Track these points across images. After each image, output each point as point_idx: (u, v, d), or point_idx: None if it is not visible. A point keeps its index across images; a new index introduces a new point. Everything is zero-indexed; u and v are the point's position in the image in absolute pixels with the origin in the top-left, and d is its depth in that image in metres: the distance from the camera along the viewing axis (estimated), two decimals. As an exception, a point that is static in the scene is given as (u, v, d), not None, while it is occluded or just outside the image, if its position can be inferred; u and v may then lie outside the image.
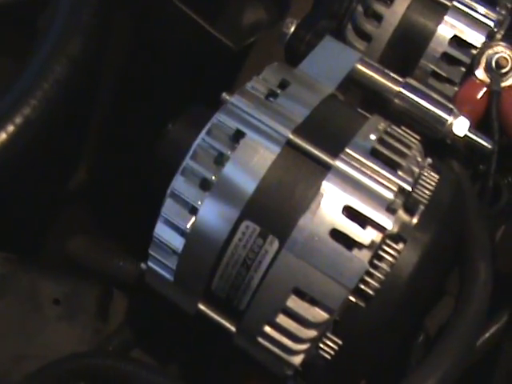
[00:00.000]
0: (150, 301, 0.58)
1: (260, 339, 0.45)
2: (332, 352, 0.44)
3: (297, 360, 0.45)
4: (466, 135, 0.51)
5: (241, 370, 0.54)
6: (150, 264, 0.48)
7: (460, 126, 0.51)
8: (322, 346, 0.45)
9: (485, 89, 0.55)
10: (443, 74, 0.55)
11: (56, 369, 0.54)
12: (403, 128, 0.49)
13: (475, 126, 0.53)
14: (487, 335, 0.52)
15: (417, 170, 0.46)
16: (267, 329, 0.45)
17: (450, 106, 0.52)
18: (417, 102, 0.51)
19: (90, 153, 0.67)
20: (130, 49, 0.58)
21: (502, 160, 0.55)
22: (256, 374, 0.53)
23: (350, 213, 0.43)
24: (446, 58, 0.55)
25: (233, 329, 0.46)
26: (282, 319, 0.44)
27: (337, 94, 0.50)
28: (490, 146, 0.52)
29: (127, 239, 0.54)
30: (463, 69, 0.56)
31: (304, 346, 0.45)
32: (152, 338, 0.61)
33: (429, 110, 0.51)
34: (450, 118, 0.51)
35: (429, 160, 0.48)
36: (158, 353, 0.61)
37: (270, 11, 0.62)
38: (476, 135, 0.52)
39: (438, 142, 0.53)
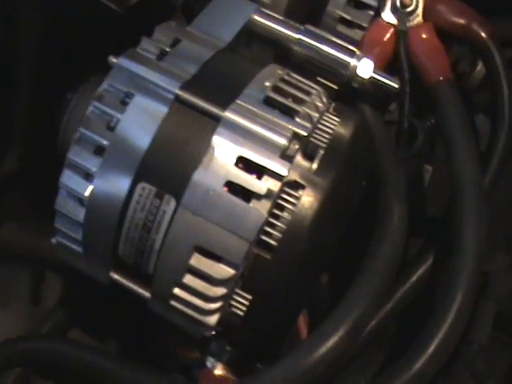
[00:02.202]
0: (83, 279, 0.57)
1: (172, 302, 0.45)
2: (244, 308, 0.44)
3: (212, 320, 0.45)
4: (371, 77, 0.50)
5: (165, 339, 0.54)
6: (59, 238, 0.47)
7: (364, 67, 0.50)
8: (233, 303, 0.44)
9: (392, 30, 0.54)
10: (350, 18, 0.55)
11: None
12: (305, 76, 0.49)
13: (384, 68, 0.53)
14: (413, 280, 0.53)
15: (316, 115, 0.45)
16: (177, 290, 0.44)
17: (352, 48, 0.51)
18: (317, 47, 0.50)
19: (18, 139, 0.66)
20: (38, 28, 0.57)
21: (420, 101, 0.55)
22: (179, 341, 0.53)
23: (245, 164, 0.42)
24: (353, 2, 0.55)
25: (147, 294, 0.46)
26: (188, 279, 0.43)
27: (239, 50, 0.50)
28: (396, 86, 0.51)
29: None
30: (371, 12, 0.55)
31: (215, 305, 0.44)
32: (88, 318, 0.61)
33: (330, 54, 0.50)
34: (352, 61, 0.50)
35: (333, 105, 0.48)
36: (96, 332, 0.60)
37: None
38: (381, 76, 0.51)
39: (347, 88, 0.52)
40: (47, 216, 0.47)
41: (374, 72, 0.51)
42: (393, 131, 0.54)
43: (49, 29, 0.56)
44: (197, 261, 0.43)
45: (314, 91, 0.47)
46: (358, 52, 0.51)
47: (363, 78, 0.50)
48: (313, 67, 0.51)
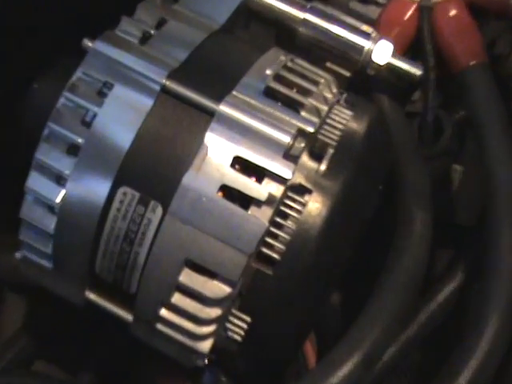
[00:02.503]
0: (50, 300, 0.60)
1: (159, 326, 0.48)
2: (242, 332, 0.48)
3: (205, 346, 0.48)
4: (389, 62, 0.54)
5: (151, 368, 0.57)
6: (24, 252, 0.51)
7: (381, 51, 0.54)
8: (229, 326, 0.48)
9: (414, 6, 0.58)
10: (365, -7, 0.58)
11: None
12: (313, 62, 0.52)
13: (405, 52, 0.57)
14: (440, 299, 0.56)
15: (324, 107, 0.49)
16: (164, 312, 0.48)
17: (367, 29, 0.54)
18: (325, 28, 0.54)
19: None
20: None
21: (447, 92, 0.59)
22: (168, 371, 0.56)
23: (242, 165, 0.46)
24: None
25: (129, 317, 0.49)
26: (177, 299, 0.47)
27: (236, 32, 0.54)
28: (419, 73, 0.55)
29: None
30: (389, -14, 0.58)
31: (209, 329, 0.48)
32: (58, 346, 0.64)
33: (340, 36, 0.54)
34: (367, 44, 0.54)
35: (344, 96, 0.51)
36: (67, 363, 0.63)
37: None
38: (401, 61, 0.55)
39: (361, 76, 0.55)
40: (10, 226, 0.50)
41: (392, 57, 0.55)
42: (415, 125, 0.58)
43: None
44: (187, 277, 0.46)
45: (322, 80, 0.50)
46: (374, 33, 0.55)
47: (380, 64, 0.54)
48: (321, 52, 0.55)
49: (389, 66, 0.54)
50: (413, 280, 0.50)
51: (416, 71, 0.55)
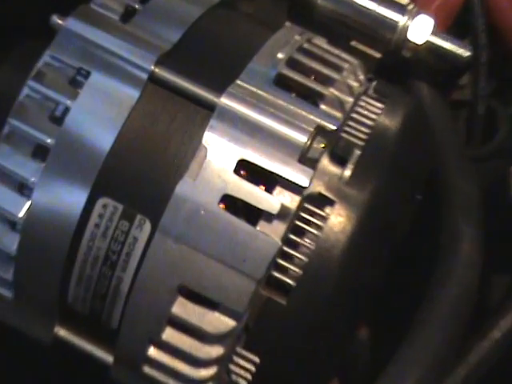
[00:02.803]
0: (12, 338, 0.61)
1: (146, 369, 0.50)
2: (248, 375, 0.49)
3: (202, 393, 0.49)
4: (429, 41, 0.55)
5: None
6: (-21, 279, 0.51)
7: (419, 28, 0.55)
8: (233, 368, 0.49)
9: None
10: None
11: None
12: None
13: (449, 29, 0.58)
14: (496, 335, 0.56)
15: (349, 99, 0.50)
16: (152, 352, 0.49)
17: (403, 0, 0.56)
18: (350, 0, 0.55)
19: None
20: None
21: (502, 76, 0.61)
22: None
23: (249, 171, 0.47)
24: None
25: (109, 358, 0.51)
26: (169, 335, 0.48)
27: (239, 5, 0.56)
28: (467, 54, 0.56)
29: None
30: None
31: (209, 372, 0.49)
32: None
33: (368, 9, 0.56)
34: (402, 19, 0.55)
35: (374, 84, 0.52)
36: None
37: None
38: (444, 40, 0.56)
39: (395, 58, 0.57)
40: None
41: (433, 34, 0.56)
42: (462, 119, 0.59)
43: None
44: (182, 308, 0.47)
45: (346, 65, 0.51)
46: (410, 6, 0.56)
47: (418, 44, 0.55)
48: (345, 29, 0.56)
49: (429, 45, 0.56)
50: (460, 312, 0.51)
51: (463, 52, 0.56)
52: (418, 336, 0.49)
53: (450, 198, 0.54)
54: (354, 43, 0.56)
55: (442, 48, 0.55)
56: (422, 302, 0.51)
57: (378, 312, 0.52)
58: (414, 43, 0.55)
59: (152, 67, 0.48)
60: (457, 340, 0.51)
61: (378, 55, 0.56)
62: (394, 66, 0.56)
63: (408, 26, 0.55)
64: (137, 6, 0.52)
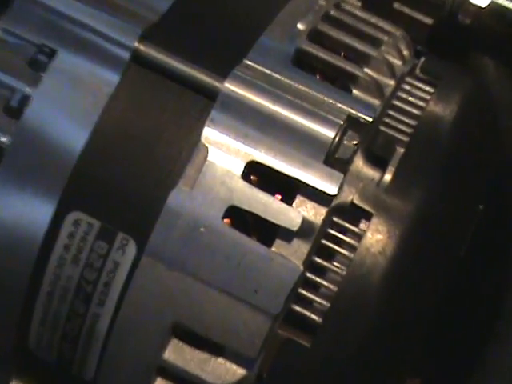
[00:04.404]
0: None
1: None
2: None
3: None
4: (493, 2, 0.52)
5: None
6: None
7: None
8: None
9: None
10: None
11: None
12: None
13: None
14: None
15: (390, 82, 0.47)
16: None
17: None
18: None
19: None
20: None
21: None
22: None
23: (260, 175, 0.44)
24: None
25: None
26: None
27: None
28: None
29: None
30: None
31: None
32: None
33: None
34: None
35: (422, 62, 0.50)
36: None
37: None
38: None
39: (450, 26, 0.54)
40: None
41: None
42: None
43: None
44: (176, 353, 0.44)
45: (386, 37, 0.49)
46: None
47: (481, 7, 0.53)
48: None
49: (494, 8, 0.53)
50: None
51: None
52: (484, 380, 0.47)
53: None
54: (397, 5, 0.53)
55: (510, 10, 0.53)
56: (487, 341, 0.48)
57: (432, 355, 0.49)
58: (476, 6, 0.52)
59: (135, 44, 0.44)
60: None
61: (428, 21, 0.54)
62: (449, 37, 0.54)
63: (467, -15, 0.56)
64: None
